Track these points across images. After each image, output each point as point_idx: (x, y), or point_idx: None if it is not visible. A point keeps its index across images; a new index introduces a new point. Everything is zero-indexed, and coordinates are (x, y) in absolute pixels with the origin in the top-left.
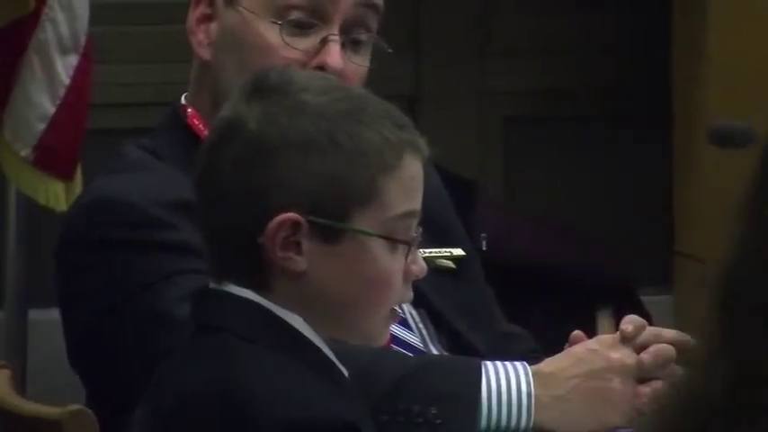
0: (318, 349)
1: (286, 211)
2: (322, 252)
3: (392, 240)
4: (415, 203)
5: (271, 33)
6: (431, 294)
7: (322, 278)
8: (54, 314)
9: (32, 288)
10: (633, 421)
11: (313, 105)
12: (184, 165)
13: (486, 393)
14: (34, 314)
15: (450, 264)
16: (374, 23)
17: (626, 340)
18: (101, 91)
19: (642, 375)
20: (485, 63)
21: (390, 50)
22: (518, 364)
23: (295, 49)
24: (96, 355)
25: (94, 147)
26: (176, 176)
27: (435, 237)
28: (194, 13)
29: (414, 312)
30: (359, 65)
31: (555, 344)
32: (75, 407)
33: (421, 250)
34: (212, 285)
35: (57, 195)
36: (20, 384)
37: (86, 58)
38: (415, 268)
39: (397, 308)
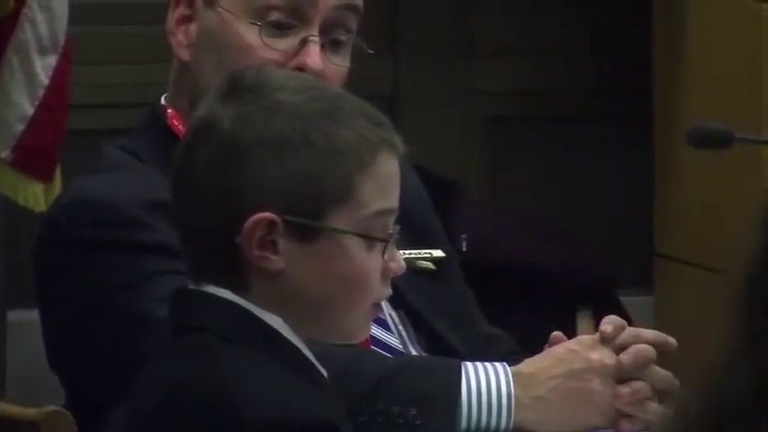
0: (297, 349)
1: (262, 211)
2: (298, 251)
3: (369, 238)
4: (392, 201)
5: (250, 34)
6: (410, 295)
7: (299, 277)
8: (33, 315)
9: (11, 289)
10: (613, 421)
11: (288, 105)
12: (164, 165)
13: (465, 394)
14: (13, 315)
15: (430, 265)
16: (354, 24)
17: (606, 341)
18: (80, 91)
19: (622, 376)
20: (467, 63)
21: (370, 51)
22: (498, 364)
23: (274, 50)
24: (76, 356)
25: (74, 147)
26: (156, 177)
27: (415, 238)
28: (174, 14)
29: (393, 314)
30: (339, 65)
31: (535, 344)
32: (51, 408)
33: (400, 252)
34: (191, 286)
35: (36, 196)
36: None
37: (65, 59)
38: (393, 265)
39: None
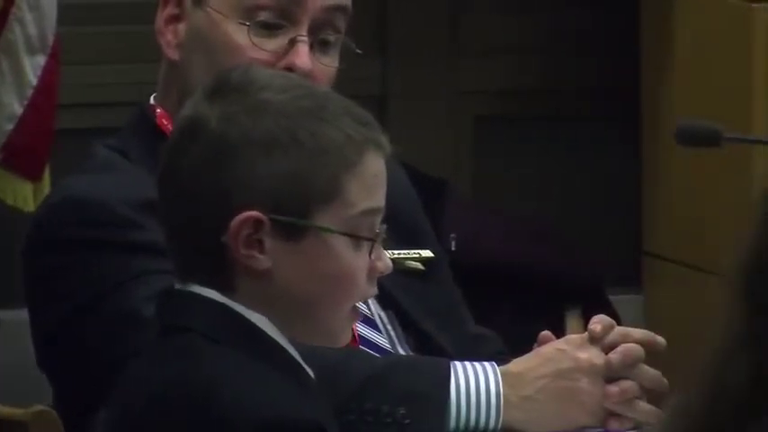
0: (284, 349)
1: (248, 210)
2: (285, 250)
3: (355, 237)
4: (378, 200)
5: (239, 34)
6: (399, 295)
7: (285, 276)
8: (22, 315)
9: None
10: (602, 421)
11: (274, 104)
12: (153, 165)
13: (454, 393)
14: (2, 315)
15: (419, 265)
16: (343, 24)
17: (594, 340)
18: (69, 91)
19: (610, 375)
20: (455, 63)
21: (359, 51)
22: (487, 364)
23: (263, 50)
24: (65, 356)
25: (63, 147)
26: (145, 177)
27: (403, 238)
28: (163, 14)
29: (382, 314)
30: (327, 65)
31: (523, 344)
32: (39, 407)
33: (389, 251)
34: (177, 286)
35: (24, 196)
36: None
37: (54, 59)
38: (379, 265)
39: (360, 305)
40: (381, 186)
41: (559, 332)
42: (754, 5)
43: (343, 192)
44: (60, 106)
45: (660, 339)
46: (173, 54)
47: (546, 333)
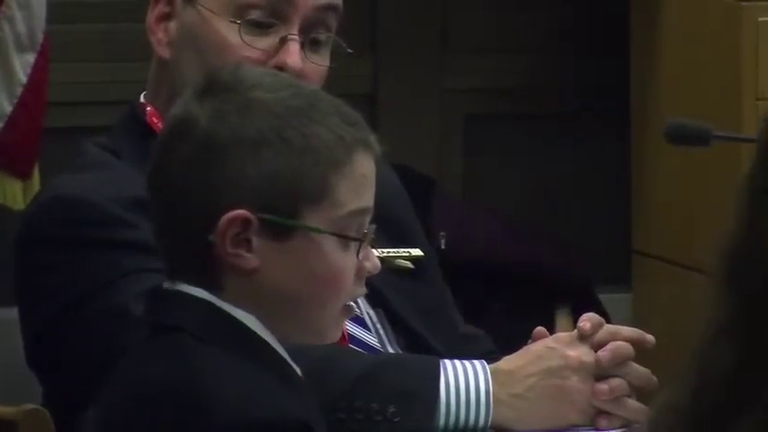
0: (272, 348)
1: (236, 209)
2: (273, 249)
3: (344, 237)
4: (367, 201)
5: (230, 32)
6: (388, 294)
7: (273, 275)
8: (11, 314)
9: None
10: (591, 418)
11: (263, 103)
12: (143, 163)
13: (444, 391)
14: None
15: (408, 264)
16: (333, 23)
17: (584, 338)
18: (58, 89)
19: (600, 373)
20: (445, 61)
21: (350, 51)
22: (476, 362)
23: (254, 48)
24: (56, 354)
25: (52, 145)
26: (135, 175)
27: (393, 236)
28: (153, 12)
29: (371, 312)
30: (318, 64)
31: (513, 343)
32: (30, 406)
33: (379, 250)
34: (165, 285)
35: (14, 194)
36: None
37: (44, 57)
38: (367, 265)
39: (352, 304)
40: (370, 186)
41: (549, 330)
42: (744, 4)
43: (332, 192)
44: (50, 104)
45: (649, 337)
46: (163, 52)
47: (540, 329)
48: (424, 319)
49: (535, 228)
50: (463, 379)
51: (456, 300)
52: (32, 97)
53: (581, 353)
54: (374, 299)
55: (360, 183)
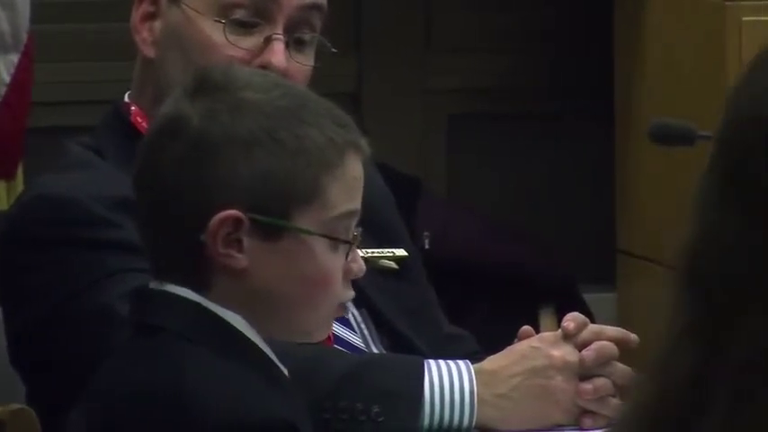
0: (258, 348)
1: (228, 209)
2: (263, 250)
3: (334, 239)
4: (357, 203)
5: (214, 32)
6: (373, 294)
7: (263, 276)
8: None
9: None
10: (575, 418)
11: (254, 103)
12: (127, 163)
13: (428, 391)
14: None
15: (393, 264)
16: (318, 23)
17: (568, 338)
18: (42, 89)
19: (584, 372)
20: (429, 61)
21: (334, 50)
22: (461, 362)
23: (239, 47)
24: (40, 354)
25: (36, 145)
26: (119, 174)
27: (378, 237)
28: (138, 11)
29: (356, 312)
30: (303, 64)
31: (497, 342)
32: (16, 405)
33: (363, 250)
34: (151, 284)
35: None
36: None
37: (27, 57)
38: (354, 267)
39: (347, 304)
40: (360, 189)
41: (534, 330)
42: (728, 3)
43: (323, 193)
44: (34, 104)
45: (633, 337)
46: (148, 51)
47: (527, 328)
48: (408, 319)
49: (518, 227)
50: (447, 379)
51: (440, 300)
52: (16, 97)
53: (565, 352)
54: (359, 299)
55: (350, 185)
